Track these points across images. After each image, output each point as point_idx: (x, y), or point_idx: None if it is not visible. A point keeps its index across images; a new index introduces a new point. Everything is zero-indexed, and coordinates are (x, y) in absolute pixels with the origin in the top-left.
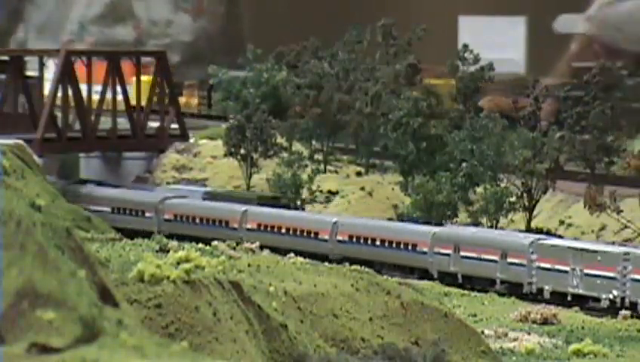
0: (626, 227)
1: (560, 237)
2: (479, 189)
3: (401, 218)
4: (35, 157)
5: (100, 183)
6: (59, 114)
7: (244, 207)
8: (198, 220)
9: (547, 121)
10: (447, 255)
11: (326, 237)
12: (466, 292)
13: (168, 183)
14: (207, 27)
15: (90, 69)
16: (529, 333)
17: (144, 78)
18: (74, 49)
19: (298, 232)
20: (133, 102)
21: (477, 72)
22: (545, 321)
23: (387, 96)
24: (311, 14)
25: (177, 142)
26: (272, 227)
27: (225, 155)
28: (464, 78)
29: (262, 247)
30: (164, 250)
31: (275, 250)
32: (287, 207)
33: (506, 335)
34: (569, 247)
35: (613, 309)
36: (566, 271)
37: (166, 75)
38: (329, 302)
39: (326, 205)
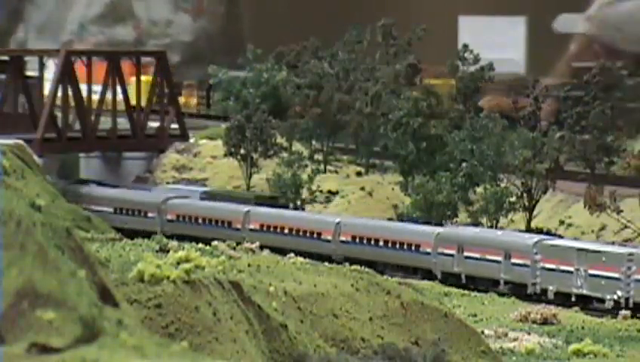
0: (626, 227)
1: (560, 237)
2: (479, 189)
3: (401, 218)
4: (35, 158)
5: (101, 183)
6: (59, 114)
7: (246, 208)
8: (200, 221)
9: (547, 121)
10: (451, 255)
11: (329, 237)
12: (466, 292)
13: (168, 183)
14: (207, 27)
15: (90, 69)
16: (529, 333)
17: (144, 78)
18: (74, 49)
19: (301, 233)
20: (133, 102)
21: (477, 72)
22: (545, 321)
23: (387, 96)
24: (311, 14)
25: (177, 142)
26: (275, 227)
27: (225, 155)
28: (464, 78)
29: (262, 247)
30: (164, 250)
31: (277, 250)
32: (285, 206)
33: (506, 335)
34: (573, 248)
35: (617, 310)
36: (570, 272)
37: (166, 75)
38: (329, 302)
39: (326, 205)
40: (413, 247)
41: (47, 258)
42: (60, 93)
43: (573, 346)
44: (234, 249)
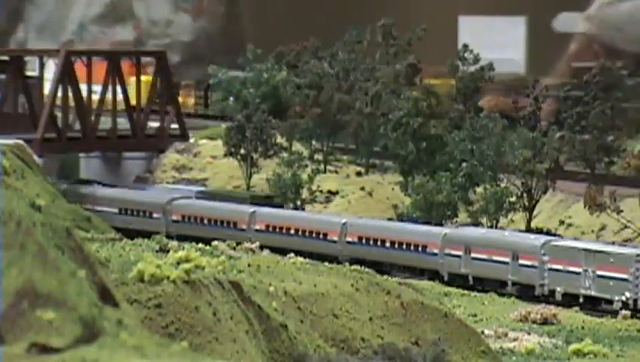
0: (626, 227)
1: (560, 236)
2: (479, 189)
3: (401, 218)
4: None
5: (105, 184)
6: (59, 114)
7: (252, 208)
8: (206, 221)
9: (547, 121)
10: (458, 256)
11: (335, 238)
12: (466, 292)
13: (160, 183)
14: (207, 27)
15: (90, 69)
16: (529, 333)
17: (144, 78)
18: (74, 49)
19: (307, 233)
20: (133, 102)
21: (477, 72)
22: (545, 321)
23: (387, 96)
24: (311, 14)
25: (177, 142)
26: (281, 228)
27: (225, 155)
28: (464, 78)
29: (266, 248)
30: (164, 250)
31: (283, 251)
32: (281, 206)
33: (506, 335)
34: (581, 249)
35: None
36: (578, 273)
37: (166, 75)
38: (329, 302)
39: (326, 205)
40: (419, 248)
41: (47, 258)
42: (60, 93)
43: (573, 346)
44: (234, 249)
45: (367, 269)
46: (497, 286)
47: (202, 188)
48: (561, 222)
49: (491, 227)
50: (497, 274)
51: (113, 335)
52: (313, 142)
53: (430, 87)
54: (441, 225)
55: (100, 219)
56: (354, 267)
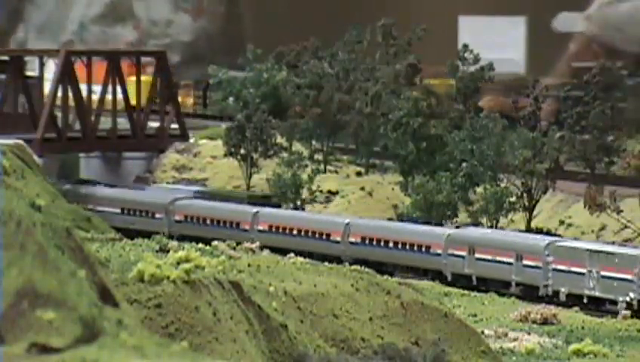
0: (626, 227)
1: (560, 236)
2: (479, 189)
3: (400, 218)
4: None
5: (108, 184)
6: (59, 114)
7: (255, 209)
8: (208, 221)
9: (547, 121)
10: (462, 257)
11: (338, 238)
12: (466, 292)
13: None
14: (207, 27)
15: (90, 69)
16: (529, 333)
17: (144, 78)
18: (74, 49)
19: (310, 234)
20: (133, 102)
21: (477, 72)
22: (545, 321)
23: (387, 96)
24: (311, 14)
25: (177, 142)
26: (284, 228)
27: (225, 155)
28: (464, 78)
29: (269, 248)
30: (164, 250)
31: (286, 251)
32: (278, 206)
33: (506, 335)
34: (585, 249)
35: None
36: (582, 274)
37: (166, 75)
38: (329, 302)
39: (326, 205)
40: (423, 249)
41: (47, 258)
42: (60, 93)
43: (573, 346)
44: (234, 249)
45: (367, 269)
46: (501, 287)
47: (199, 188)
48: (561, 222)
49: (491, 227)
50: (501, 274)
51: (113, 335)
52: (313, 142)
53: (430, 87)
54: (441, 225)
55: (99, 219)
56: (354, 267)
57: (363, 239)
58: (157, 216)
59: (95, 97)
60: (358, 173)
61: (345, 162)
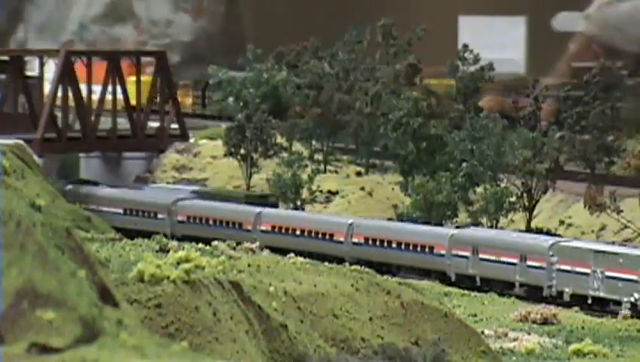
0: (626, 227)
1: (560, 237)
2: (479, 189)
3: (400, 218)
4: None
5: (110, 185)
6: (59, 114)
7: (258, 209)
8: (211, 222)
9: (547, 121)
10: (466, 257)
11: (341, 239)
12: (466, 292)
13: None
14: (207, 27)
15: (90, 69)
16: (529, 333)
17: (144, 78)
18: (74, 49)
19: (313, 234)
20: (133, 102)
21: (477, 72)
22: (545, 321)
23: (387, 96)
24: (311, 14)
25: (177, 142)
26: (287, 229)
27: (225, 155)
28: (464, 78)
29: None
30: (164, 250)
31: (289, 252)
32: (275, 205)
33: (506, 335)
34: (590, 250)
35: (636, 312)
36: (587, 274)
37: (166, 75)
38: (329, 302)
39: (326, 205)
40: (426, 249)
41: (47, 258)
42: (60, 93)
43: (573, 346)
44: (234, 249)
45: (367, 269)
46: (505, 288)
47: (195, 188)
48: (561, 222)
49: (492, 227)
50: (505, 275)
51: (113, 335)
52: (313, 142)
53: (430, 87)
54: (441, 224)
55: (100, 219)
56: (354, 267)
57: (366, 240)
58: (159, 216)
59: (95, 97)
60: (358, 173)
61: (345, 162)
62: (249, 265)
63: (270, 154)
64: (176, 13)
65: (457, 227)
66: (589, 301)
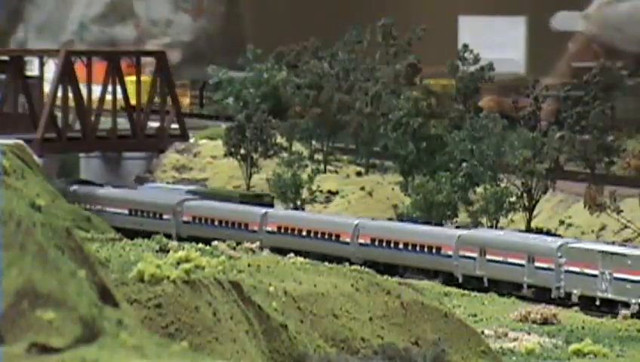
0: (626, 227)
1: (560, 237)
2: (479, 189)
3: (400, 218)
4: (35, 158)
5: (115, 185)
6: (59, 114)
7: (263, 210)
8: (217, 222)
9: (547, 121)
10: (473, 258)
11: (348, 239)
12: (466, 292)
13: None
14: (207, 27)
15: (90, 69)
16: (529, 333)
17: (144, 78)
18: (74, 49)
19: (319, 235)
20: (133, 102)
21: (477, 72)
22: (545, 321)
23: (387, 96)
24: (311, 14)
25: (177, 142)
26: (293, 230)
27: (225, 155)
28: (464, 78)
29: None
30: (164, 250)
31: (295, 253)
32: (270, 205)
33: (506, 335)
34: (598, 251)
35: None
36: (595, 275)
37: (166, 75)
38: (329, 302)
39: (326, 205)
40: (434, 250)
41: (47, 258)
42: (60, 93)
43: (573, 346)
44: (234, 249)
45: (367, 269)
46: (513, 289)
47: (191, 188)
48: (561, 222)
49: (491, 227)
50: (513, 276)
51: (113, 335)
52: (313, 142)
53: (430, 87)
54: (441, 224)
55: (100, 218)
56: (354, 267)
57: (373, 240)
58: (165, 217)
59: (95, 97)
60: (358, 173)
61: (345, 162)
62: (249, 265)
63: (270, 154)
64: (176, 13)
65: (457, 227)
66: (597, 302)
